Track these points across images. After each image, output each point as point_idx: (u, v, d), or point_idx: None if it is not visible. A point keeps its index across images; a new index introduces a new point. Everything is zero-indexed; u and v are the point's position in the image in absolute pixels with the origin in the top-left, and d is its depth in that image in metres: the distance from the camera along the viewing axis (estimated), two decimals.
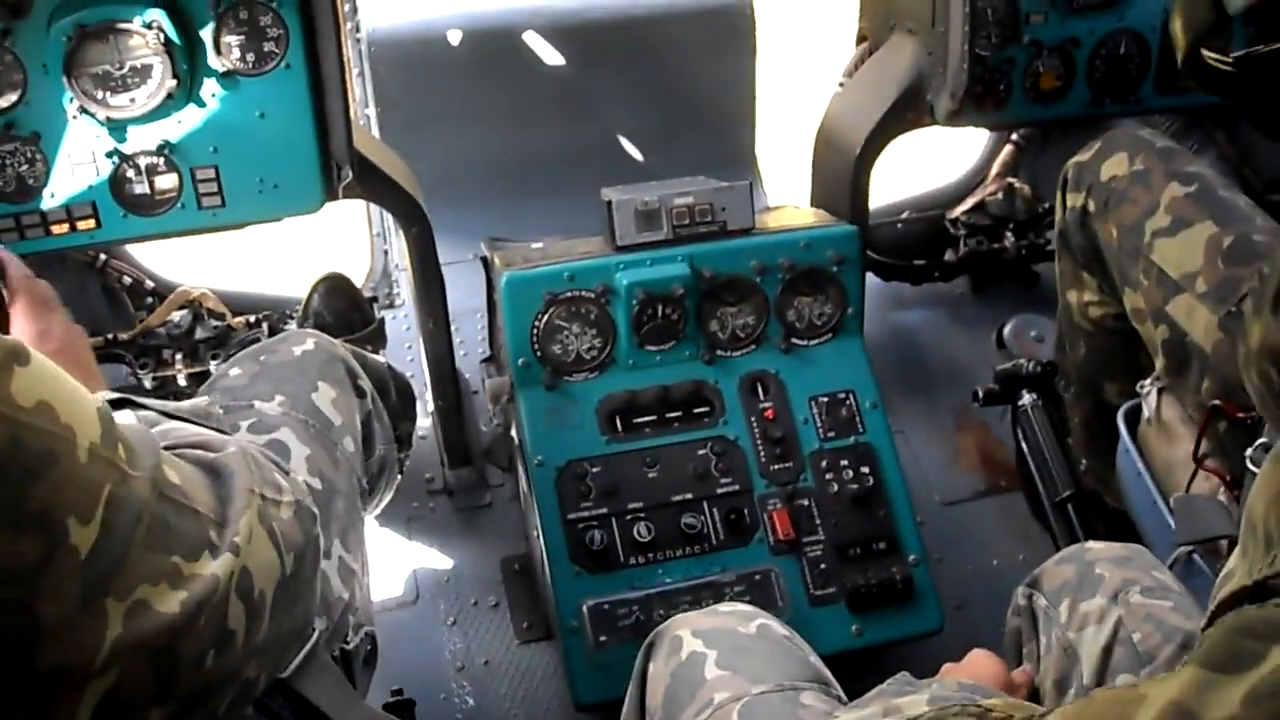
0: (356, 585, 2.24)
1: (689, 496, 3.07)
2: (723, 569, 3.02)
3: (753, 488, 3.10)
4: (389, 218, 4.11)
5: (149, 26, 2.64)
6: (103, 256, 3.80)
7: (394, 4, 4.47)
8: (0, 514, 1.15)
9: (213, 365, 3.54)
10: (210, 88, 2.79)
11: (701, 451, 3.11)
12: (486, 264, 3.38)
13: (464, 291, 3.85)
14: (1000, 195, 4.38)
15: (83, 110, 2.71)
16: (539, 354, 3.11)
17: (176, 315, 3.68)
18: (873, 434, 3.19)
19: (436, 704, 3.30)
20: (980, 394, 3.78)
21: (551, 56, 4.50)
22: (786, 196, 4.48)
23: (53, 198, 2.81)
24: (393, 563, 3.59)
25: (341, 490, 2.28)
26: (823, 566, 3.05)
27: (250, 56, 2.77)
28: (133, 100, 2.72)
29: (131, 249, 3.89)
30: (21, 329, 1.93)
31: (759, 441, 3.14)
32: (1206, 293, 2.67)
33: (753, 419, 3.16)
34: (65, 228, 2.84)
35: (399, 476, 2.87)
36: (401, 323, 4.23)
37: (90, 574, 1.24)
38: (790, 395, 3.21)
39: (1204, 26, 2.32)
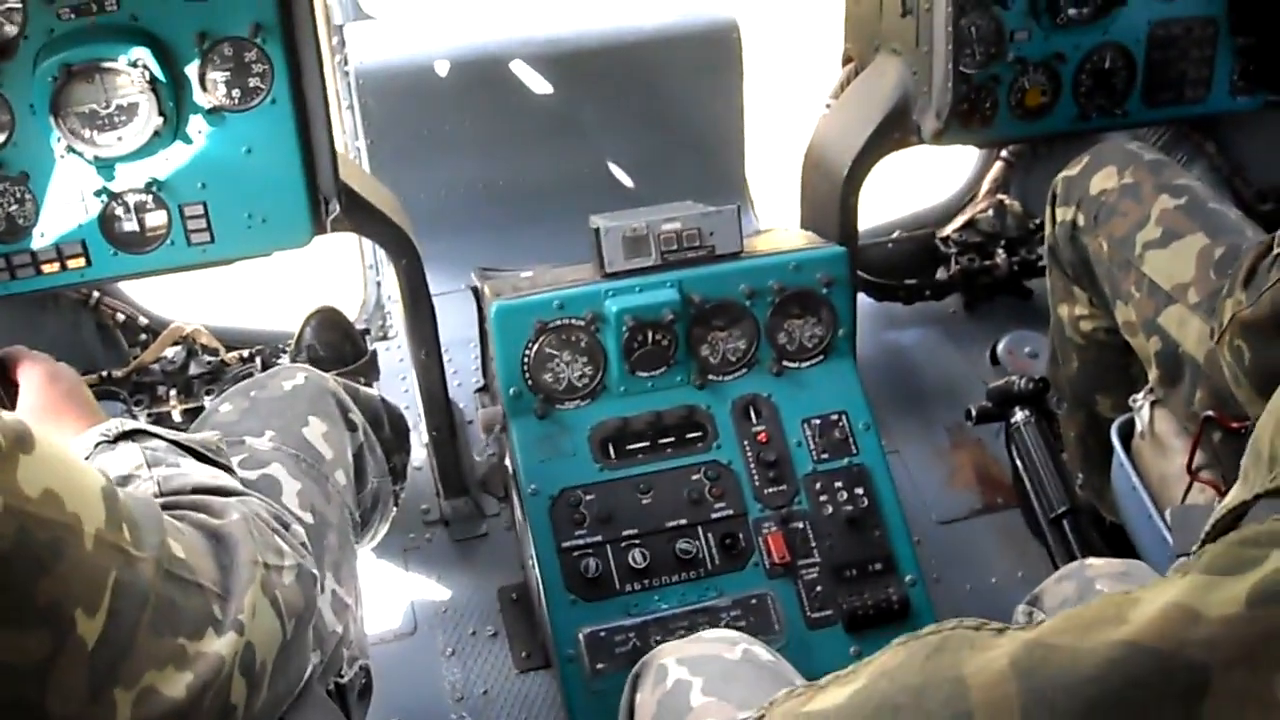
0: (350, 619, 2.24)
1: (683, 522, 3.07)
2: (719, 594, 3.01)
3: (747, 512, 3.09)
4: (380, 250, 4.11)
5: (134, 65, 2.64)
6: (95, 294, 3.81)
7: (382, 36, 4.48)
8: (6, 611, 1.14)
9: (207, 400, 3.54)
10: (197, 124, 2.80)
11: (695, 477, 3.11)
12: (477, 294, 3.38)
13: (457, 321, 3.85)
14: (991, 212, 4.39)
15: (70, 149, 2.71)
16: (530, 383, 3.11)
17: (170, 351, 3.69)
18: (866, 455, 3.18)
19: None
20: (974, 412, 3.79)
21: (539, 85, 4.51)
22: (778, 219, 4.49)
23: (43, 237, 2.81)
24: (390, 594, 3.58)
25: (334, 524, 2.28)
26: (819, 589, 3.04)
27: (236, 92, 2.78)
28: (120, 138, 2.72)
29: (124, 286, 3.89)
30: (31, 376, 1.94)
31: (752, 465, 3.13)
32: (1198, 303, 2.68)
33: (746, 443, 3.16)
34: (56, 267, 2.85)
35: (394, 509, 2.87)
36: (395, 354, 4.23)
37: (98, 665, 1.23)
38: (783, 418, 3.20)
39: None
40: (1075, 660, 0.99)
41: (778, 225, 3.95)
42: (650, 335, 3.13)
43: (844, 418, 3.21)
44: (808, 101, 4.35)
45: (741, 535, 3.06)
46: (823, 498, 3.12)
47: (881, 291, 4.37)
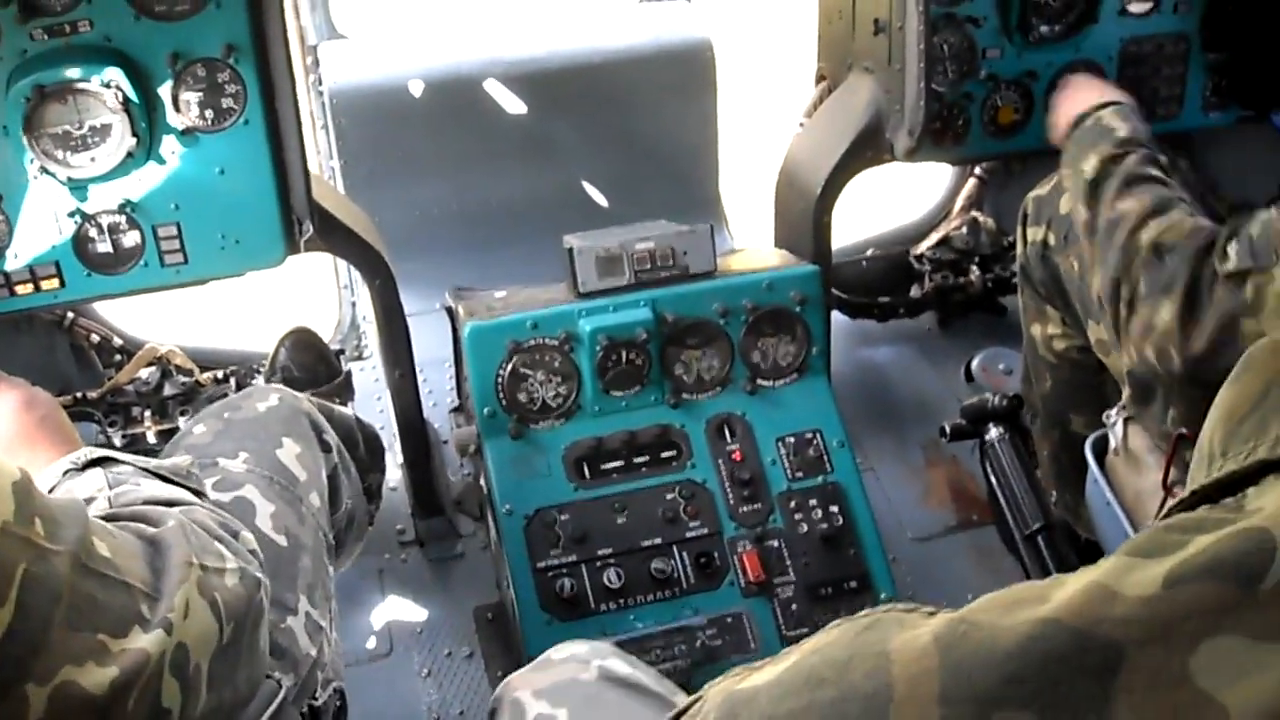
0: (324, 641, 2.23)
1: (658, 541, 3.06)
2: (694, 612, 3.01)
3: (722, 530, 3.09)
4: (355, 270, 4.11)
5: (107, 85, 2.64)
6: (70, 315, 3.80)
7: (356, 56, 4.49)
8: None
9: (181, 421, 3.54)
10: (170, 145, 2.80)
11: (670, 496, 3.11)
12: (451, 314, 3.38)
13: (432, 341, 3.85)
14: (964, 229, 4.41)
15: (44, 170, 2.71)
16: (504, 403, 3.11)
17: (145, 372, 3.68)
18: (841, 473, 3.19)
19: None
20: (948, 429, 3.80)
21: (513, 104, 4.52)
22: (753, 238, 4.50)
23: (16, 258, 2.80)
24: (365, 615, 3.57)
25: (308, 546, 2.27)
26: (794, 607, 3.04)
27: (209, 113, 2.78)
28: (93, 159, 2.72)
29: (99, 307, 3.88)
30: (6, 402, 1.93)
31: (727, 484, 3.13)
32: None
33: (720, 461, 3.16)
34: (30, 288, 2.84)
35: (369, 529, 2.87)
36: (370, 374, 4.23)
37: (6, 659, 1.22)
38: (757, 436, 3.20)
39: None
40: (995, 636, 1.00)
41: (752, 244, 3.96)
42: (624, 355, 3.13)
43: (818, 436, 3.22)
44: (781, 120, 4.36)
45: (716, 554, 3.06)
46: (798, 516, 3.12)
47: (855, 309, 4.38)
